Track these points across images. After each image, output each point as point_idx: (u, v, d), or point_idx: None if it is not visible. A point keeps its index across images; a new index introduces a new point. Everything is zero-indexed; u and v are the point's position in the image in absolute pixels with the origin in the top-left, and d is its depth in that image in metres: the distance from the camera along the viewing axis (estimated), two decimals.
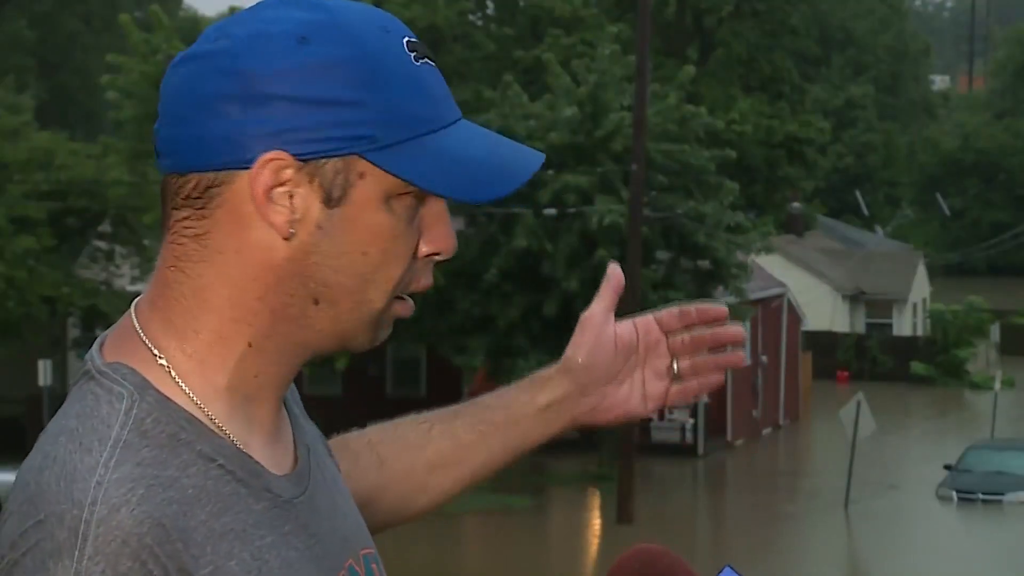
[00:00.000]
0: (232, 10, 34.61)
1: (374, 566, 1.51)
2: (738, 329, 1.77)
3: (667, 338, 1.78)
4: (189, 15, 58.41)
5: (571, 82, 30.09)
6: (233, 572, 1.31)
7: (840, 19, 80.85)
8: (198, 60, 1.38)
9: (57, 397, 31.40)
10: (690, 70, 31.96)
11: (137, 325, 1.40)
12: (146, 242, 32.68)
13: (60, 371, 33.62)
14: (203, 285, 1.38)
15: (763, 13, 49.13)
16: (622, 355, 1.76)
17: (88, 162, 32.68)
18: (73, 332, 34.49)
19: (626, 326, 1.77)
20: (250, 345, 1.38)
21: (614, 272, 1.77)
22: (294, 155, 1.35)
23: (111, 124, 38.50)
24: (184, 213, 1.38)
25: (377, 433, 1.79)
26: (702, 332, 1.77)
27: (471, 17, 42.73)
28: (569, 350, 1.76)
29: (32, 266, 30.44)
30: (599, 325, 1.75)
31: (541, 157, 1.47)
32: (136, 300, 1.44)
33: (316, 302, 1.38)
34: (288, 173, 1.35)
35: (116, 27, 43.01)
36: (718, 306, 1.78)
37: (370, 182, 1.37)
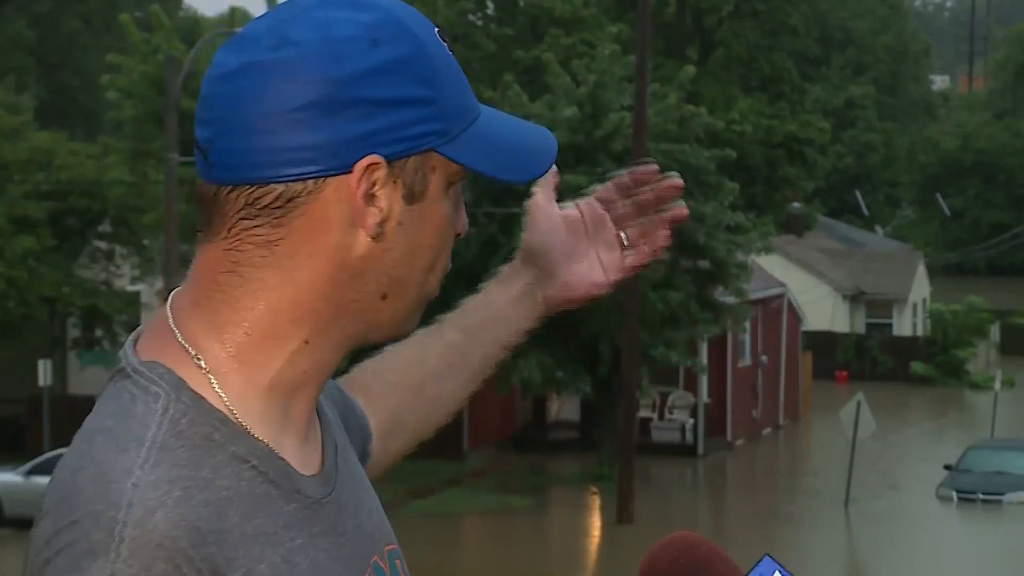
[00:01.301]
0: (233, 10, 34.61)
1: (397, 562, 1.52)
2: (675, 181, 1.81)
3: (610, 212, 1.83)
4: (189, 15, 58.34)
5: (571, 82, 30.10)
6: (264, 575, 1.32)
7: (840, 19, 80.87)
8: (263, 69, 1.36)
9: (57, 397, 31.43)
10: (690, 70, 31.96)
11: (173, 325, 1.40)
12: (146, 242, 32.70)
13: (60, 371, 33.62)
14: (264, 287, 1.38)
15: (763, 13, 49.14)
16: (572, 232, 1.81)
17: (88, 162, 32.71)
18: (73, 332, 34.48)
19: (569, 208, 1.83)
20: (307, 342, 1.39)
21: (550, 173, 1.81)
22: (383, 156, 1.37)
23: (111, 124, 38.51)
24: (258, 222, 1.37)
25: (377, 362, 1.82)
26: (645, 196, 1.81)
27: (471, 17, 42.75)
28: (524, 237, 1.83)
29: (32, 266, 30.46)
30: (544, 208, 1.81)
31: (550, 133, 1.54)
32: (171, 298, 1.43)
33: (384, 297, 1.41)
34: (380, 175, 1.37)
35: (116, 27, 43.03)
36: (648, 166, 1.82)
37: (439, 174, 1.42)
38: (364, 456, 1.71)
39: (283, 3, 1.43)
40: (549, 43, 38.15)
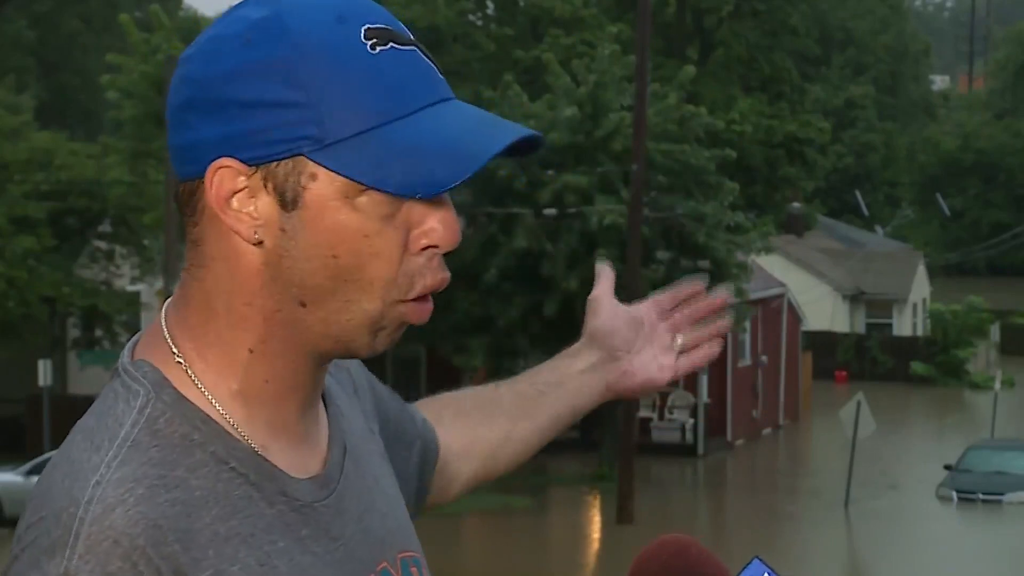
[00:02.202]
0: None
1: (414, 569, 1.50)
2: (724, 295, 1.96)
3: (666, 319, 1.95)
4: (189, 15, 58.35)
5: (571, 82, 30.08)
6: None
7: (840, 19, 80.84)
8: (178, 66, 1.38)
9: (57, 397, 31.42)
10: (690, 70, 31.95)
11: (164, 324, 1.40)
12: (146, 242, 32.68)
13: (60, 371, 33.61)
14: (207, 289, 1.37)
15: (763, 13, 49.13)
16: (633, 327, 1.91)
17: (88, 162, 32.69)
18: (73, 332, 34.47)
19: (631, 307, 1.94)
20: (251, 351, 1.37)
21: (604, 269, 1.95)
22: (243, 160, 1.33)
23: (111, 124, 38.51)
24: (185, 219, 1.38)
25: (450, 395, 1.89)
26: (694, 306, 1.95)
27: (471, 17, 42.75)
28: (589, 323, 1.91)
29: (32, 266, 30.43)
30: (607, 300, 1.92)
31: (519, 132, 1.40)
32: (167, 299, 1.45)
33: (303, 304, 1.35)
34: (242, 180, 1.33)
35: (116, 27, 43.01)
36: (694, 283, 1.96)
37: (323, 182, 1.33)
38: (424, 471, 1.74)
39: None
40: (549, 43, 38.14)
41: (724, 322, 1.96)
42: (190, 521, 1.29)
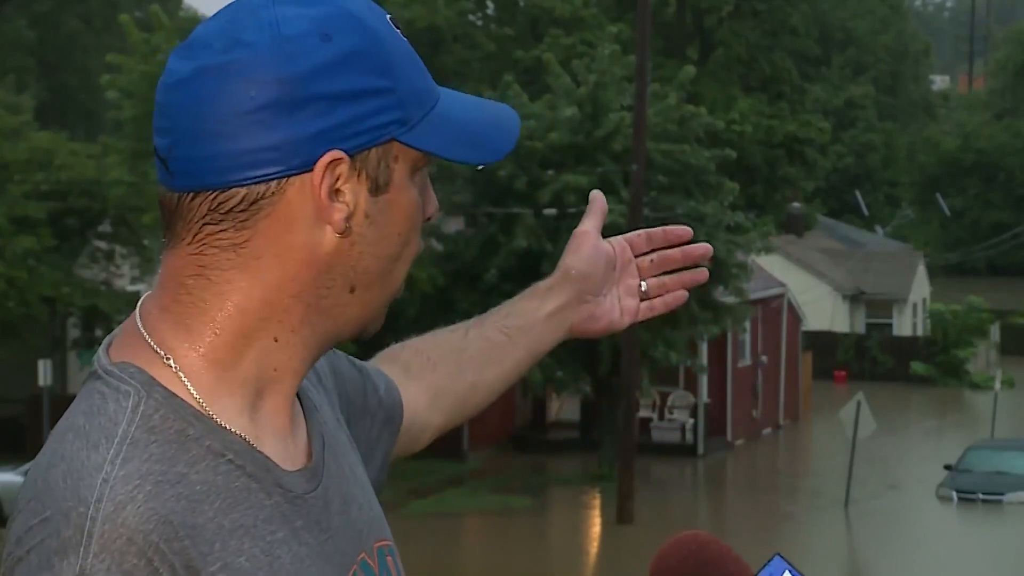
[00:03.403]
0: None
1: (389, 559, 1.52)
2: (704, 246, 1.93)
3: (636, 259, 1.92)
4: (189, 15, 58.33)
5: (571, 82, 30.08)
6: (243, 568, 1.31)
7: (840, 19, 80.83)
8: (216, 73, 1.36)
9: (57, 397, 31.40)
10: (690, 70, 31.95)
11: (142, 329, 1.41)
12: (146, 242, 32.66)
13: (60, 371, 33.61)
14: (232, 289, 1.37)
15: (763, 13, 49.12)
16: (608, 269, 1.89)
17: (88, 162, 32.67)
18: (73, 332, 34.46)
19: (608, 243, 1.90)
20: (276, 340, 1.39)
21: (597, 197, 1.90)
22: (345, 151, 1.36)
23: (111, 124, 38.50)
24: (223, 226, 1.36)
25: (419, 342, 1.87)
26: (671, 252, 1.92)
27: (471, 17, 42.75)
28: (568, 260, 1.87)
29: (32, 266, 30.43)
30: (591, 236, 1.88)
31: (511, 109, 1.53)
32: (140, 303, 1.44)
33: (352, 290, 1.40)
34: (343, 169, 1.37)
35: (116, 27, 43.00)
36: (683, 227, 1.93)
37: (402, 162, 1.41)
38: (388, 435, 1.74)
39: (231, 4, 1.41)
40: (549, 43, 38.14)
41: (698, 273, 1.95)
42: (195, 516, 1.29)
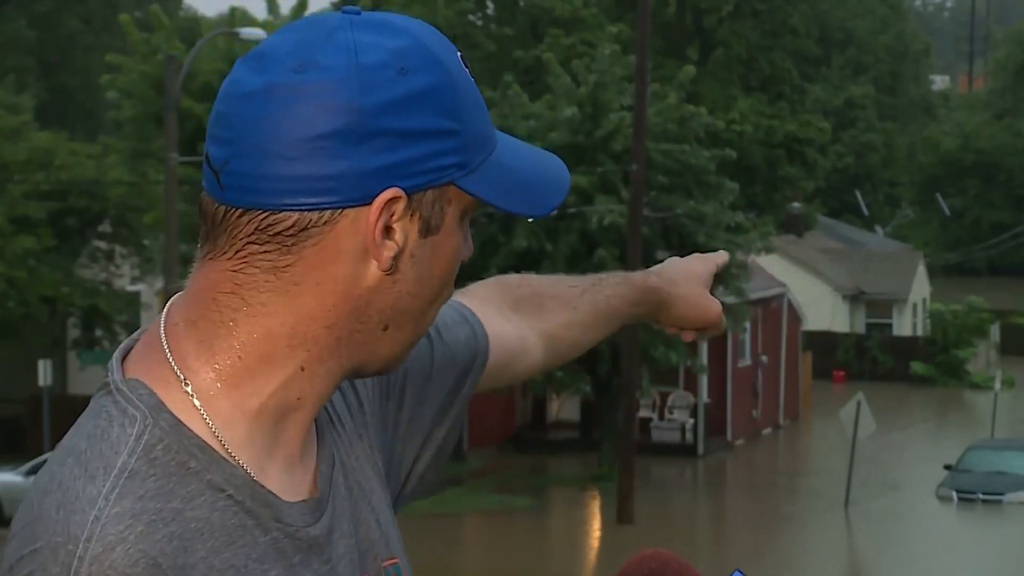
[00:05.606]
0: (233, 10, 34.59)
1: None
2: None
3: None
4: (189, 15, 58.32)
5: (571, 82, 30.09)
6: None
7: (840, 19, 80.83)
8: (287, 92, 1.32)
9: (57, 397, 31.43)
10: (690, 70, 31.95)
11: (165, 341, 1.37)
12: (146, 242, 32.69)
13: (60, 371, 33.62)
14: (265, 312, 1.34)
15: (763, 13, 49.09)
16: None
17: (88, 162, 32.70)
18: (73, 332, 34.47)
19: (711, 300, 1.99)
20: (302, 369, 1.36)
21: (721, 258, 2.00)
22: (404, 189, 1.34)
23: (111, 124, 38.51)
24: (267, 248, 1.33)
25: (540, 284, 1.86)
26: None
27: (471, 17, 42.73)
28: (671, 288, 1.93)
29: (32, 266, 30.44)
30: (698, 289, 1.96)
31: (560, 161, 1.51)
32: (167, 311, 1.40)
33: (385, 328, 1.38)
34: (399, 208, 1.34)
35: (116, 27, 43.04)
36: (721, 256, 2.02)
37: (455, 206, 1.38)
38: (474, 370, 1.70)
39: (306, 20, 1.38)
40: (549, 43, 38.12)
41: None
42: (186, 556, 1.27)
